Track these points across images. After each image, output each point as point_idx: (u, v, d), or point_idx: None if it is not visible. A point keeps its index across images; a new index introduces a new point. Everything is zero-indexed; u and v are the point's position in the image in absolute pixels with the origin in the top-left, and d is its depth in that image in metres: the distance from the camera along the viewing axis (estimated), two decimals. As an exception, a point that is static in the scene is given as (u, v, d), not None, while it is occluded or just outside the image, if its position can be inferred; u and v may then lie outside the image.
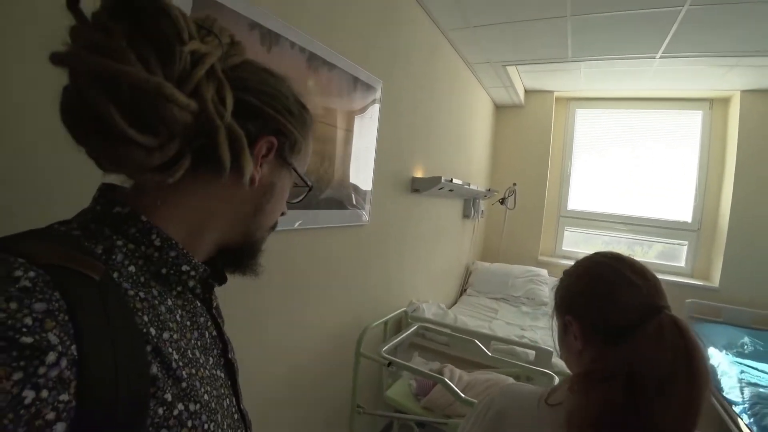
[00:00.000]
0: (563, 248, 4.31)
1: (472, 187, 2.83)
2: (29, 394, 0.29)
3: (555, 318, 0.82)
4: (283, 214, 0.59)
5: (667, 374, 0.60)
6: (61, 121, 0.40)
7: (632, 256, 0.76)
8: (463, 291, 3.85)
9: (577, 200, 4.27)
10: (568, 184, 4.29)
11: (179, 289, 0.47)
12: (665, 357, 0.61)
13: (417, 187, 2.36)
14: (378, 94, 1.88)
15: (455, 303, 3.58)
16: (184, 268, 0.47)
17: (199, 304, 0.51)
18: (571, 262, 0.84)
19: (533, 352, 2.07)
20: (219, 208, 0.50)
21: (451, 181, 2.36)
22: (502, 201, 3.93)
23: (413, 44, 2.25)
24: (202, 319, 0.51)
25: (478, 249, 4.32)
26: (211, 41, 0.45)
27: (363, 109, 1.78)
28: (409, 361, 2.14)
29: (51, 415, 0.30)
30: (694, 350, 0.62)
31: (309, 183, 0.60)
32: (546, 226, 4.27)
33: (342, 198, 1.71)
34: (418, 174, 2.41)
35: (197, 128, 0.42)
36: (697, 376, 0.61)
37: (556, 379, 1.69)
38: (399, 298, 2.50)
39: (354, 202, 1.80)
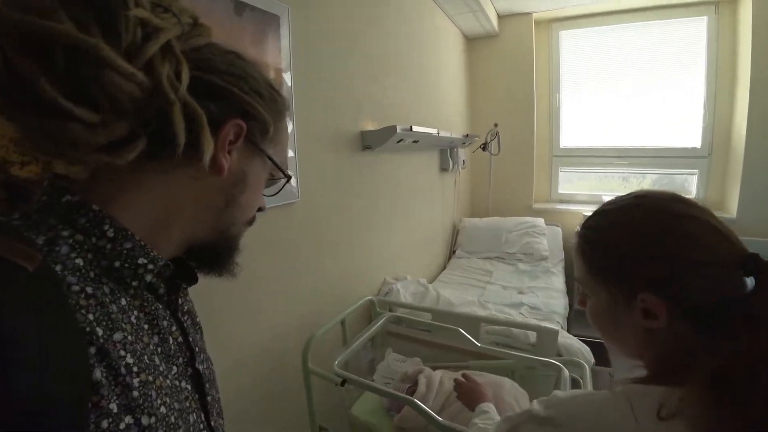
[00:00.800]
0: (559, 191, 3.87)
1: (443, 134, 2.34)
2: None
3: (598, 290, 0.60)
4: (261, 209, 0.53)
5: None
6: None
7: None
8: (452, 253, 3.45)
9: (571, 136, 3.80)
10: (558, 119, 3.80)
11: (135, 284, 0.40)
12: None
13: (369, 143, 1.86)
14: (285, 26, 1.35)
15: (444, 269, 3.20)
16: (141, 260, 0.40)
17: (161, 307, 0.44)
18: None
19: (534, 334, 1.67)
20: (185, 199, 0.43)
21: (411, 129, 1.87)
22: (484, 147, 3.43)
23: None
24: (165, 323, 0.44)
25: (465, 204, 3.87)
26: (168, 18, 0.38)
27: (260, 47, 1.27)
28: (383, 359, 1.74)
29: None
30: None
31: (286, 172, 0.54)
32: (538, 169, 3.83)
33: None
34: (369, 126, 1.90)
35: (153, 108, 0.37)
36: None
37: (565, 372, 1.29)
38: (369, 282, 2.07)
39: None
